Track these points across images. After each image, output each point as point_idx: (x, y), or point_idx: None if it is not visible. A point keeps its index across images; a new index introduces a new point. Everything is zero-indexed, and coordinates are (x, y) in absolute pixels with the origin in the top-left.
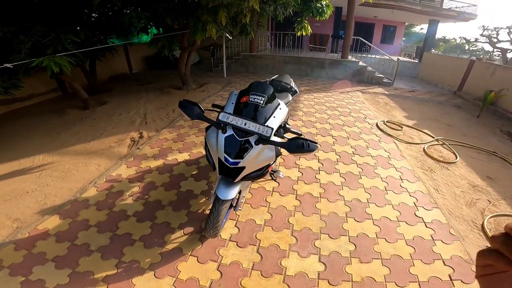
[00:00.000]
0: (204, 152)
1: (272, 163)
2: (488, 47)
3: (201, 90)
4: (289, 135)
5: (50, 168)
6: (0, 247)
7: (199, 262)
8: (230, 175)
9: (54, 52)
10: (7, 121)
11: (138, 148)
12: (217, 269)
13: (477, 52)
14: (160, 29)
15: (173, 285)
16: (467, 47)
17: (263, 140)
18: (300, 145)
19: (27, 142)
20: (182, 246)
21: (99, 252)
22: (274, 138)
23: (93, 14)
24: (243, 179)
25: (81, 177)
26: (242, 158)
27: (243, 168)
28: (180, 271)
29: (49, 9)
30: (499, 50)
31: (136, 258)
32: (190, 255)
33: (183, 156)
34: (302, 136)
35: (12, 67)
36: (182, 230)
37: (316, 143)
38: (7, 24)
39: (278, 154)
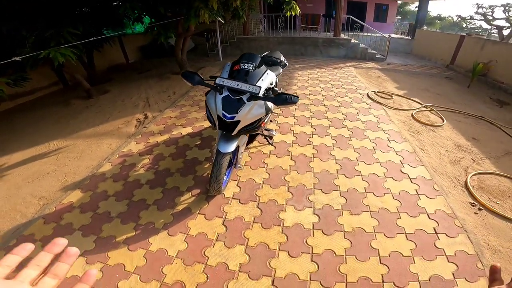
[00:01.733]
0: (205, 125)
1: (265, 119)
2: (486, 25)
3: (199, 73)
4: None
5: (66, 151)
6: (30, 223)
7: (206, 219)
8: (228, 129)
9: (57, 45)
10: (15, 115)
11: (144, 127)
12: (223, 224)
13: (476, 30)
14: (152, 19)
15: (184, 240)
16: (464, 25)
17: (254, 97)
18: (284, 99)
19: (40, 131)
20: (190, 206)
21: (118, 218)
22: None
23: (85, 9)
24: (240, 132)
25: (95, 155)
26: (237, 113)
27: (239, 121)
28: (190, 228)
29: (48, 4)
30: (496, 28)
31: (151, 220)
32: (198, 213)
33: (187, 130)
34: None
35: (20, 60)
36: (190, 192)
37: (297, 96)
38: (10, 19)
39: (267, 109)
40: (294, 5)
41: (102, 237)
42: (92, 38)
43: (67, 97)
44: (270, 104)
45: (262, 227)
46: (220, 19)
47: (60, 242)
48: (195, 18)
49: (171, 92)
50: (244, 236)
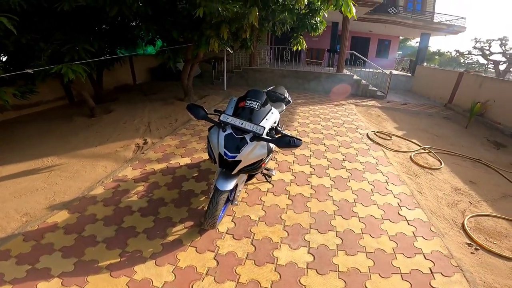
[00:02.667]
0: (204, 157)
1: (266, 160)
2: (483, 60)
3: (202, 101)
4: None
5: (59, 169)
6: (9, 239)
7: (197, 252)
8: (228, 167)
9: (71, 61)
10: (17, 125)
11: (142, 153)
12: (214, 258)
13: (473, 65)
14: (164, 43)
15: (172, 272)
16: (462, 60)
17: (257, 137)
18: (287, 141)
19: (37, 145)
20: (182, 238)
21: (104, 242)
22: (265, 137)
23: (103, 26)
24: (240, 171)
25: (89, 177)
26: (239, 152)
27: (240, 161)
28: (179, 260)
29: (67, 19)
30: (492, 63)
31: (139, 248)
32: (189, 245)
33: (185, 160)
34: (288, 135)
35: (32, 72)
36: (183, 224)
37: (300, 140)
38: (30, 32)
39: (269, 151)
40: (301, 40)
41: (83, 261)
42: (105, 57)
43: (71, 113)
44: (272, 145)
45: (255, 264)
46: (228, 48)
47: None
48: (205, 45)
49: (173, 118)
50: (235, 272)
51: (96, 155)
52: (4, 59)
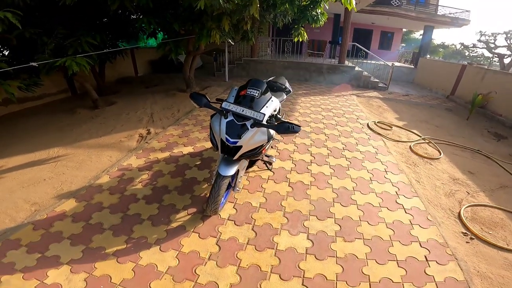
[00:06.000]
0: (206, 146)
1: (266, 146)
2: (488, 53)
3: (204, 93)
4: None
5: (65, 159)
6: (19, 228)
7: (200, 237)
8: (230, 153)
9: (74, 54)
10: (21, 118)
11: (146, 142)
12: (216, 244)
13: (478, 58)
14: (165, 35)
15: (176, 257)
16: (467, 53)
17: (257, 123)
18: (286, 127)
19: (42, 137)
20: (185, 224)
21: (111, 230)
22: (265, 124)
23: (105, 19)
24: (241, 157)
25: (94, 166)
26: (240, 138)
27: (241, 147)
28: (183, 245)
29: (69, 13)
30: (497, 56)
31: (144, 234)
32: (193, 231)
33: (188, 149)
34: (288, 121)
35: (37, 65)
36: (186, 211)
37: (299, 126)
38: (33, 26)
39: (269, 137)
40: (302, 31)
41: (91, 248)
42: (107, 50)
43: (74, 106)
44: (272, 132)
45: (256, 249)
46: (230, 40)
47: None
48: (207, 37)
49: (175, 109)
50: (236, 257)
51: (101, 145)
52: (7, 53)
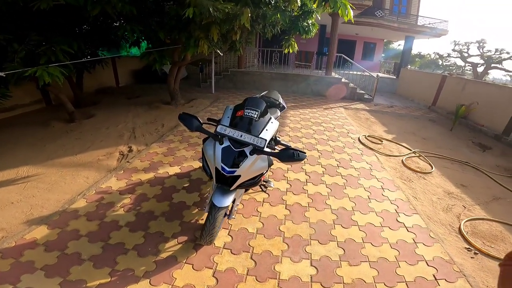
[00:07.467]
0: (194, 166)
1: (265, 173)
2: (460, 62)
3: (189, 105)
4: (279, 147)
5: (36, 180)
6: None
7: (194, 269)
8: (226, 183)
9: (47, 63)
10: None
11: (128, 162)
12: (213, 276)
13: (450, 67)
14: (150, 44)
15: None
16: (440, 62)
17: (257, 150)
18: (290, 155)
19: (11, 153)
20: (176, 254)
21: (91, 261)
22: (266, 149)
23: (84, 26)
24: (238, 187)
25: (69, 189)
26: (238, 167)
27: (239, 176)
28: (175, 278)
29: (44, 19)
30: (470, 65)
31: (130, 266)
32: (185, 262)
33: (174, 170)
34: (291, 147)
35: (4, 75)
36: (176, 239)
37: (304, 153)
38: (4, 32)
39: (270, 164)
40: (293, 42)
41: (69, 280)
42: (85, 59)
43: (48, 118)
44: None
45: (257, 280)
46: (218, 51)
47: None
48: (194, 47)
49: (159, 124)
50: None
51: (77, 164)
52: None
